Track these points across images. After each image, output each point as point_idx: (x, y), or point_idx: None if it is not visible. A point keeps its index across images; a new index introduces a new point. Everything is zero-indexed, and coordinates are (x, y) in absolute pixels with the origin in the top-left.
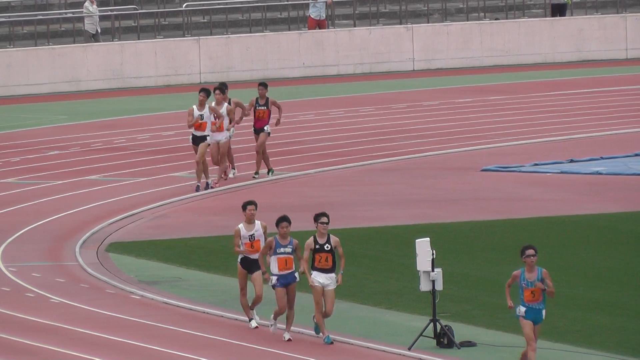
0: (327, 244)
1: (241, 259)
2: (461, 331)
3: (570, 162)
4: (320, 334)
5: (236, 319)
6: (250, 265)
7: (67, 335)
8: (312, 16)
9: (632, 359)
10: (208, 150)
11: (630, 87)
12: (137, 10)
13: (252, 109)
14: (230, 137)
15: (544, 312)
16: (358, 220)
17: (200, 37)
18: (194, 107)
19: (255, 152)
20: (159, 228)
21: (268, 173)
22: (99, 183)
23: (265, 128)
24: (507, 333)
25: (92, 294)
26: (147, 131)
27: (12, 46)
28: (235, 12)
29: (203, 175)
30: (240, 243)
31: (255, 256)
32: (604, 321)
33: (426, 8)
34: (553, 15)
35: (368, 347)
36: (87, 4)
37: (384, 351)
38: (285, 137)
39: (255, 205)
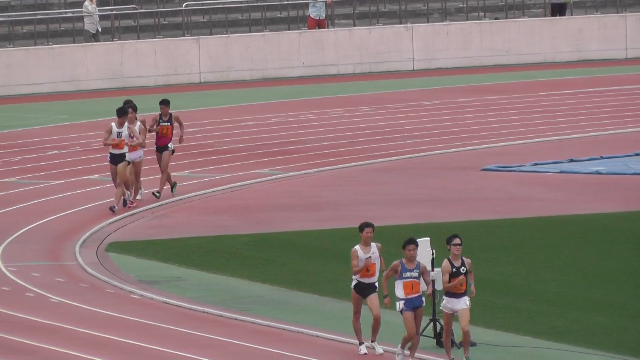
0: (462, 267)
1: (355, 284)
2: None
3: (570, 161)
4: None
5: (236, 319)
6: (364, 290)
7: (67, 334)
8: (311, 16)
9: (632, 359)
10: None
11: (630, 87)
12: (137, 9)
13: (156, 126)
14: (142, 157)
15: None
16: (358, 220)
17: (200, 36)
18: (113, 124)
19: (161, 172)
20: (158, 228)
21: (172, 189)
22: (98, 182)
23: (169, 146)
24: (506, 333)
25: (92, 293)
26: None
27: (12, 46)
28: (235, 12)
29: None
30: (356, 264)
31: (370, 280)
32: (604, 321)
33: (426, 8)
34: (553, 14)
35: (368, 347)
36: (86, 3)
37: (384, 350)
38: (284, 136)
39: (373, 227)
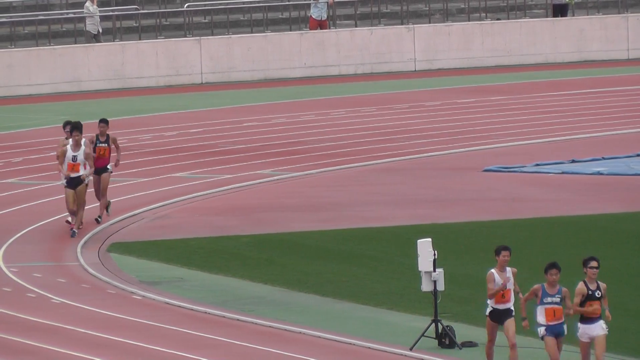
0: (597, 291)
1: (490, 311)
2: (462, 331)
3: (572, 162)
4: None
5: (237, 319)
6: (500, 316)
7: (68, 335)
8: (313, 16)
9: (632, 359)
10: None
11: (632, 87)
12: (139, 10)
13: (93, 147)
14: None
15: None
16: (360, 220)
17: (202, 37)
18: (68, 146)
19: (97, 194)
20: (160, 228)
21: (107, 209)
22: None
23: (108, 167)
24: None
25: (94, 294)
26: (149, 131)
27: (13, 46)
28: (236, 13)
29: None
30: (492, 287)
31: (505, 306)
32: None
33: (427, 8)
34: (554, 15)
35: (369, 348)
36: (87, 4)
37: (386, 351)
38: (286, 137)
39: (510, 251)
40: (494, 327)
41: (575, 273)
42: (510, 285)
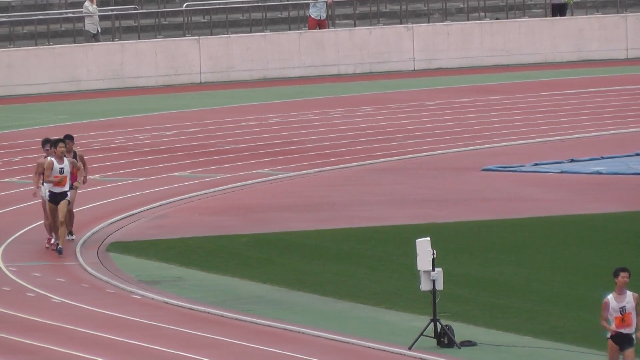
0: None
1: (611, 336)
2: (461, 331)
3: (571, 161)
4: None
5: (236, 319)
6: (622, 341)
7: (68, 334)
8: (312, 16)
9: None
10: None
11: (631, 87)
12: (138, 10)
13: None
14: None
15: None
16: (358, 220)
17: (201, 37)
18: (53, 160)
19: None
20: (159, 228)
21: (69, 234)
22: (98, 183)
23: (74, 184)
24: (507, 333)
25: (93, 293)
26: (147, 131)
27: (12, 46)
28: (235, 12)
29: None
30: (605, 317)
31: (628, 331)
32: None
33: (426, 8)
34: (553, 15)
35: (368, 347)
36: (86, 3)
37: (385, 351)
38: (285, 136)
39: (630, 272)
40: (615, 351)
41: (575, 272)
42: (631, 310)
